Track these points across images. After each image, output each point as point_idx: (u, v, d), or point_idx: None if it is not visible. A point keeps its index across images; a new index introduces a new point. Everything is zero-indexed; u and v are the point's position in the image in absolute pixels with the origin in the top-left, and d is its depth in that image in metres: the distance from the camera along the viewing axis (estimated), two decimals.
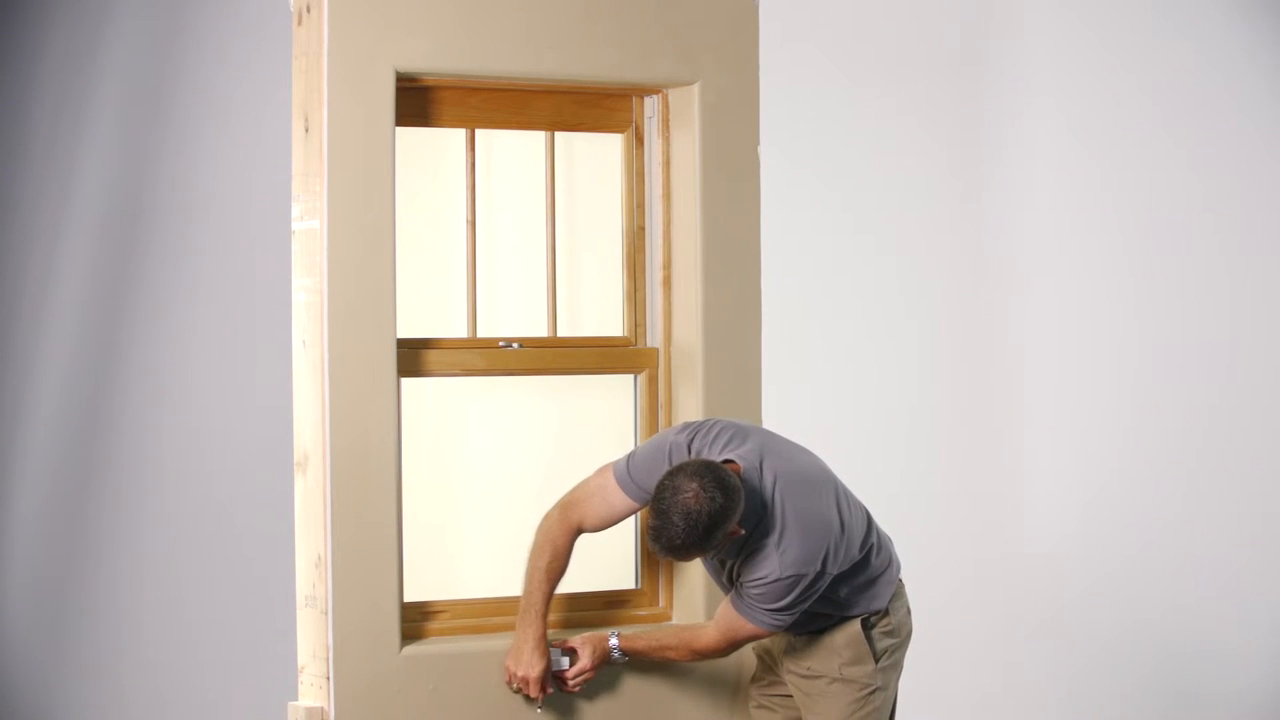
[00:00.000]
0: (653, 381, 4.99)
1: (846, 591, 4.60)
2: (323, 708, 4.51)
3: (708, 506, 4.28)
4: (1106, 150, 6.36)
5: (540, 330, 4.91)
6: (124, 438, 6.83)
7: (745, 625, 4.55)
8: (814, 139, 6.56)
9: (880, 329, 6.62)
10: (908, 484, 6.51)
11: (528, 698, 4.65)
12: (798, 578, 4.44)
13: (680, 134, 4.96)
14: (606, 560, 5.00)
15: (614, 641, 4.69)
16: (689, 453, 4.51)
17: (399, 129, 4.61)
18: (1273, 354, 6.14)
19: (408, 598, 4.65)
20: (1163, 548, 6.27)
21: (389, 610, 4.56)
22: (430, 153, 4.83)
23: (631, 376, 5.00)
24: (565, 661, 4.66)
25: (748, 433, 4.54)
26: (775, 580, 4.44)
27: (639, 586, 5.00)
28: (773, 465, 4.46)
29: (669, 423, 4.98)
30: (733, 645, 4.63)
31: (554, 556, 4.58)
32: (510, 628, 4.71)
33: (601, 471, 4.61)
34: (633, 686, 4.80)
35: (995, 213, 6.52)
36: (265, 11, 6.31)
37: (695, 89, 4.92)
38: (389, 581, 4.56)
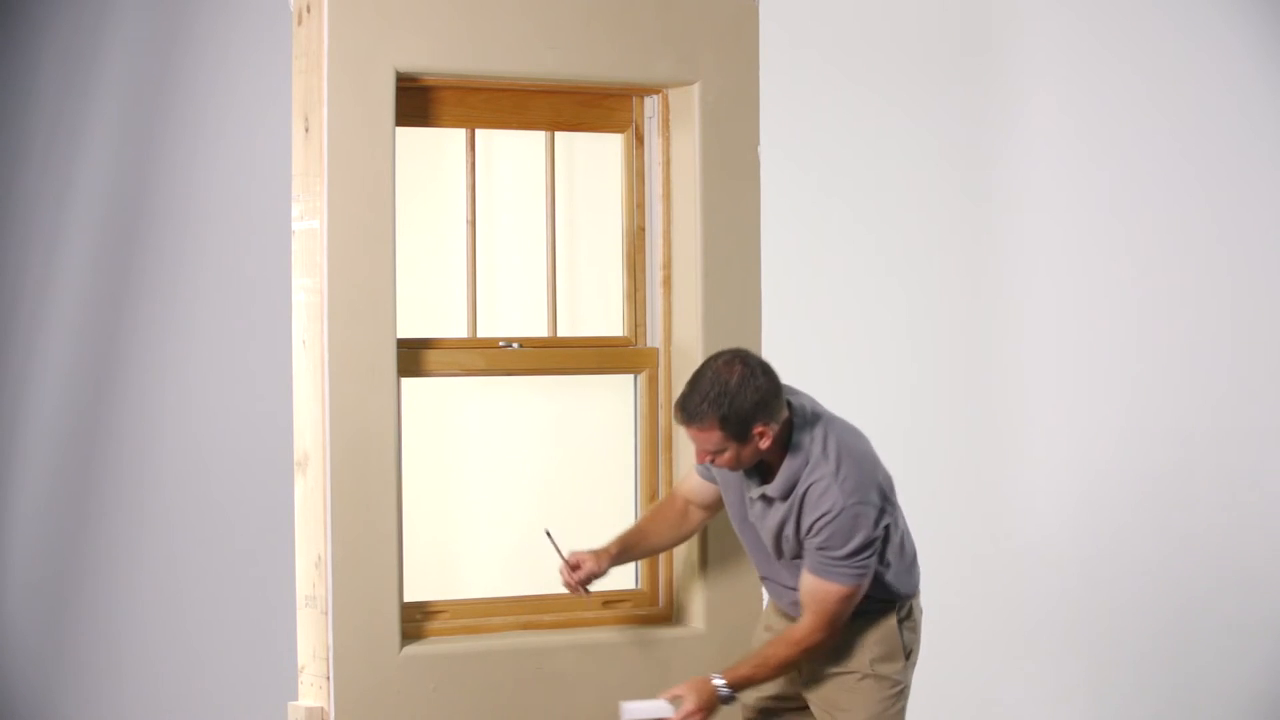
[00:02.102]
0: (653, 381, 4.99)
1: (894, 569, 4.51)
2: (323, 708, 4.51)
3: (739, 370, 4.25)
4: (1107, 149, 6.36)
5: (540, 330, 4.92)
6: (124, 438, 6.83)
7: (831, 589, 4.37)
8: (814, 139, 6.55)
9: (880, 328, 6.62)
10: (907, 483, 6.47)
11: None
12: (862, 505, 4.33)
13: (680, 134, 4.96)
14: None
15: (717, 681, 4.46)
16: None
17: (399, 129, 4.61)
18: (1273, 353, 6.14)
19: (408, 598, 4.65)
20: (1162, 546, 6.27)
21: (389, 610, 4.56)
22: (430, 153, 4.83)
23: (631, 376, 5.00)
24: (670, 710, 4.45)
25: (796, 392, 4.51)
26: (840, 511, 4.31)
27: (639, 587, 5.01)
28: (823, 413, 4.44)
29: (669, 423, 4.98)
30: (831, 621, 4.41)
31: (658, 505, 4.69)
32: (510, 627, 4.73)
33: None
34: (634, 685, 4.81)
35: (995, 212, 6.52)
36: (265, 11, 6.30)
37: (695, 89, 4.92)
38: (389, 581, 4.56)
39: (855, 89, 6.62)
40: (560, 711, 4.73)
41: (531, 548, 4.95)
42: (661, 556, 4.98)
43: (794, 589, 4.48)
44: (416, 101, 4.73)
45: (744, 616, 4.93)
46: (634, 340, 5.01)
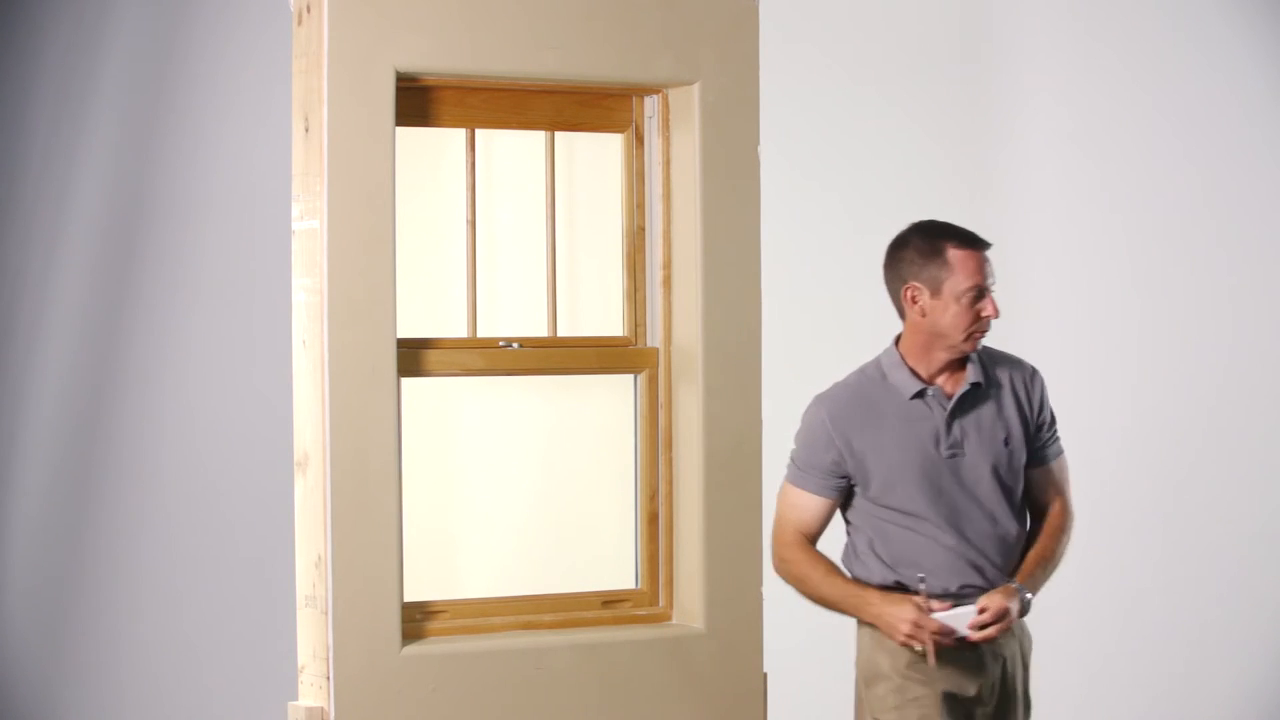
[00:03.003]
0: (653, 381, 4.99)
1: None
2: (323, 708, 4.51)
3: None
4: (1107, 150, 6.36)
5: (540, 330, 4.91)
6: (124, 438, 6.83)
7: (1063, 460, 4.36)
8: (814, 139, 6.55)
9: (880, 328, 6.61)
10: None
11: (921, 653, 4.24)
12: None
13: (680, 134, 4.95)
14: (606, 560, 5.00)
15: (1016, 584, 4.26)
16: (832, 424, 4.28)
17: (399, 129, 4.61)
18: (1273, 354, 6.14)
19: (408, 598, 4.65)
20: (1161, 546, 6.27)
21: (389, 610, 4.56)
22: (430, 153, 4.83)
23: (631, 376, 5.00)
24: (974, 611, 4.20)
25: None
26: (1038, 371, 4.37)
27: (639, 586, 5.00)
28: None
29: (669, 423, 4.97)
30: (1068, 492, 4.38)
31: (810, 561, 4.26)
32: (510, 627, 4.73)
33: (781, 490, 4.36)
34: (637, 693, 4.81)
35: (995, 212, 6.51)
36: (265, 11, 6.31)
37: (695, 89, 4.92)
38: (389, 581, 4.56)
39: (856, 89, 6.62)
40: (560, 711, 4.73)
41: (531, 548, 4.96)
42: (661, 556, 4.98)
43: (1003, 528, 4.27)
44: (416, 101, 4.73)
45: (744, 616, 4.93)
46: (634, 340, 5.01)
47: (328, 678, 4.49)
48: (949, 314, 4.23)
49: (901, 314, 4.35)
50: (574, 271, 4.98)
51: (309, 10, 4.54)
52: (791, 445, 4.39)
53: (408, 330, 4.68)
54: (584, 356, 4.94)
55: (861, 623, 4.33)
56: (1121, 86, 6.35)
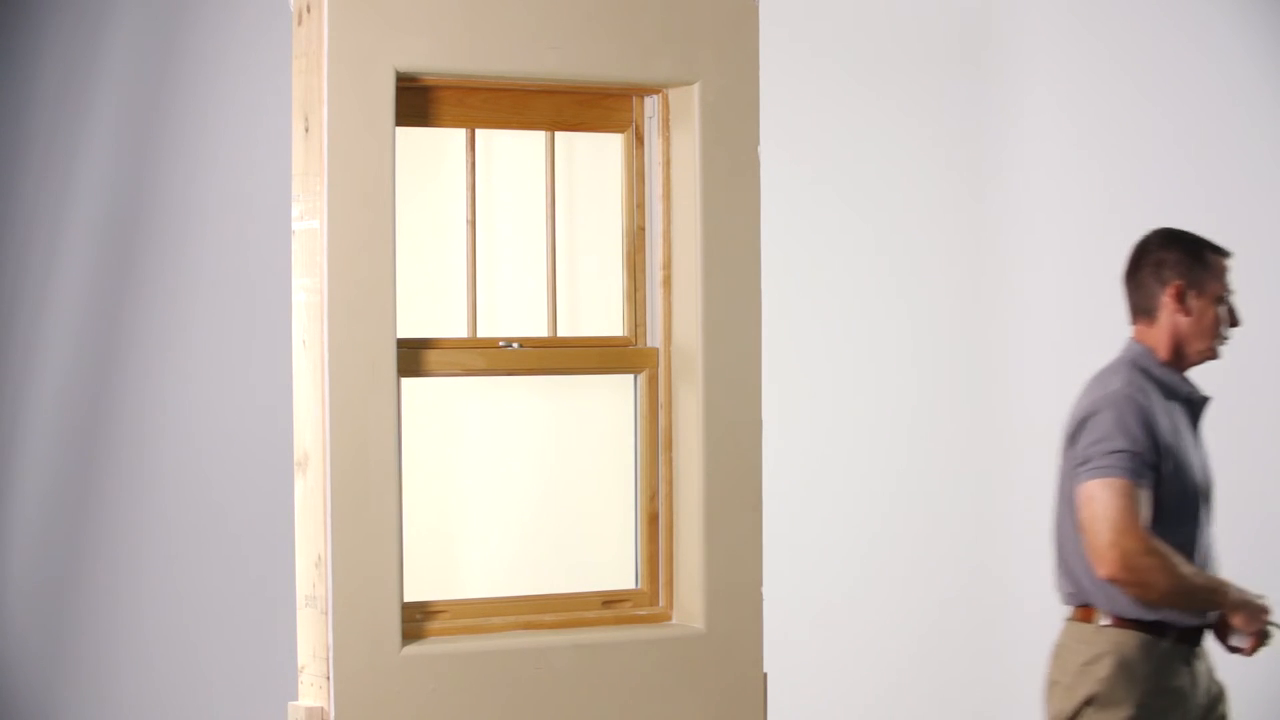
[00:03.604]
0: (653, 381, 4.99)
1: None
2: (323, 708, 4.51)
3: None
4: (1106, 149, 6.37)
5: (540, 330, 4.91)
6: (124, 438, 6.83)
7: None
8: (814, 139, 6.55)
9: (881, 328, 6.62)
10: (907, 483, 6.50)
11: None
12: None
13: (680, 134, 4.95)
14: (606, 560, 5.00)
15: None
16: (1152, 416, 4.22)
17: (399, 129, 4.61)
18: (1273, 354, 6.14)
19: (408, 598, 4.65)
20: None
21: (389, 610, 4.56)
22: (430, 153, 4.83)
23: (631, 376, 5.00)
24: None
25: None
26: None
27: (639, 586, 5.00)
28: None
29: (669, 423, 4.97)
30: None
31: (1172, 557, 4.18)
32: (510, 627, 4.72)
33: (1108, 488, 4.22)
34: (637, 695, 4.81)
35: (995, 212, 6.52)
36: (265, 11, 6.31)
37: (695, 89, 4.92)
38: (389, 581, 4.56)
39: (856, 88, 6.62)
40: (560, 711, 4.73)
41: (531, 548, 4.96)
42: (661, 556, 4.98)
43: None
44: (416, 101, 4.73)
45: (744, 616, 4.93)
46: (634, 340, 5.01)
47: (328, 678, 4.49)
48: (1207, 317, 4.37)
49: (1146, 316, 4.41)
50: (574, 271, 4.99)
51: (309, 10, 4.54)
52: (1094, 443, 4.30)
53: (408, 330, 4.68)
54: (584, 356, 4.94)
55: (1072, 631, 4.42)
56: (1121, 86, 6.35)
